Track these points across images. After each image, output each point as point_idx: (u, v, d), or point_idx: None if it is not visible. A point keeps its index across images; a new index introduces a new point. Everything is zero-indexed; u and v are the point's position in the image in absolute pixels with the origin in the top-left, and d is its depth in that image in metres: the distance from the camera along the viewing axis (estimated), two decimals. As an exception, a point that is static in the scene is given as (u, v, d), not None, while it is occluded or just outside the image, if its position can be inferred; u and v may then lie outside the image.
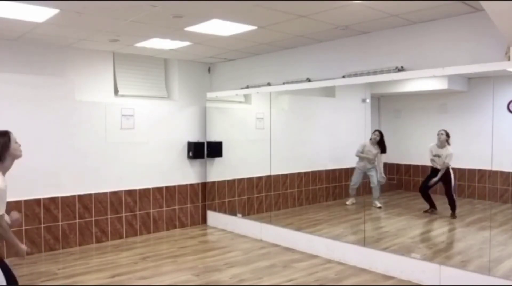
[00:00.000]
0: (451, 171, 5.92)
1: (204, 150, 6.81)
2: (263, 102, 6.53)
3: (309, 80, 5.53)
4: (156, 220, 6.42)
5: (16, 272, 2.82)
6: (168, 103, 6.68)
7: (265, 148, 6.24)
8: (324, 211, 6.96)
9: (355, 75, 4.96)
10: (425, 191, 6.08)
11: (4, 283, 2.58)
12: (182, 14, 4.17)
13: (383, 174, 6.48)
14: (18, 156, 2.71)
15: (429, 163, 6.08)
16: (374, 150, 6.40)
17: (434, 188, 6.04)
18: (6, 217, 2.63)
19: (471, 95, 5.93)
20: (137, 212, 6.20)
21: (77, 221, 5.64)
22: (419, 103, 6.56)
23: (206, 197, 6.98)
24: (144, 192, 6.27)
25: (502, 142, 4.30)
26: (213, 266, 4.90)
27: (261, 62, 6.32)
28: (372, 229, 5.80)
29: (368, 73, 4.85)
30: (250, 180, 6.94)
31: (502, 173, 5.54)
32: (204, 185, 6.96)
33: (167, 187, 6.51)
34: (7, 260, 2.78)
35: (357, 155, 6.47)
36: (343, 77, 5.09)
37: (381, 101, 6.94)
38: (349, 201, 6.84)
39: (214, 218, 6.87)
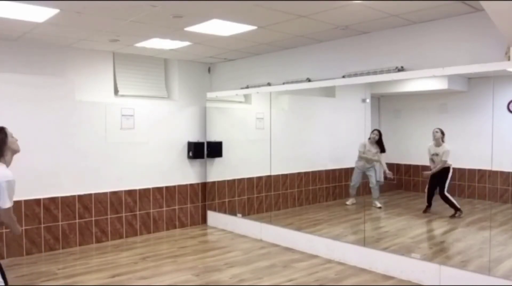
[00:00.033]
0: (450, 170, 5.91)
1: (204, 150, 6.81)
2: (263, 102, 6.53)
3: (309, 80, 5.53)
4: (156, 220, 6.42)
5: (16, 272, 2.82)
6: (168, 103, 6.68)
7: (265, 148, 6.24)
8: (324, 211, 6.96)
9: (355, 75, 4.96)
10: (443, 195, 5.87)
11: (3, 283, 2.58)
12: (182, 14, 4.17)
13: (387, 171, 6.42)
14: (16, 150, 2.75)
15: (429, 163, 6.08)
16: (374, 149, 6.42)
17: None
18: None
19: (471, 95, 5.93)
20: (137, 212, 6.20)
21: (77, 221, 5.64)
22: (419, 103, 6.57)
23: (206, 197, 6.98)
24: (144, 192, 6.27)
25: (502, 142, 4.30)
26: (213, 266, 4.90)
27: (261, 62, 6.32)
28: (372, 229, 5.80)
29: (368, 73, 4.85)
30: (250, 180, 6.94)
31: (502, 173, 5.55)
32: (204, 185, 6.96)
33: (167, 187, 6.51)
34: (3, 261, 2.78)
35: (360, 155, 6.47)
36: (343, 77, 5.09)
37: (381, 101, 6.94)
38: (349, 201, 6.84)
39: (214, 218, 6.87)
